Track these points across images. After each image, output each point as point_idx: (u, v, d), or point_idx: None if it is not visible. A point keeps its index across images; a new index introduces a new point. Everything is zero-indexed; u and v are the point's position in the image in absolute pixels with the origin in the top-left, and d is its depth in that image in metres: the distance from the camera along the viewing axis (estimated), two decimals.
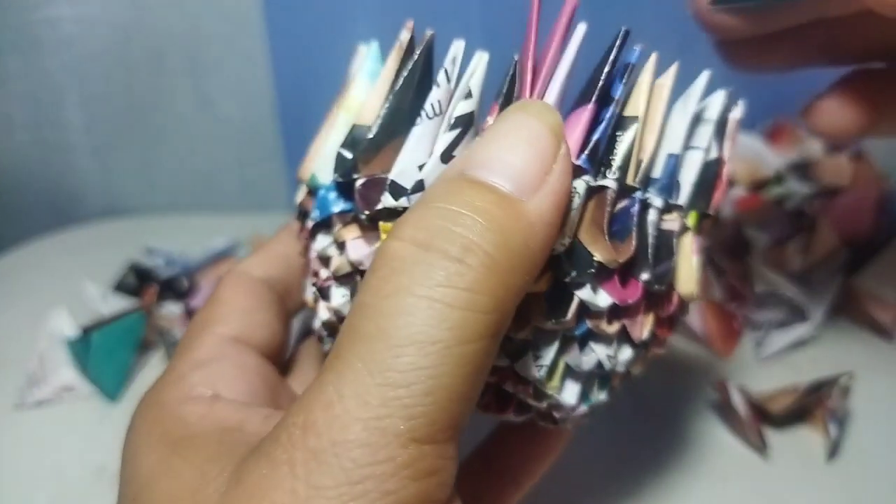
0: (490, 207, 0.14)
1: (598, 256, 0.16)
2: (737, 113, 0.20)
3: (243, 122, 0.53)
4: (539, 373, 0.18)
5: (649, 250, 0.18)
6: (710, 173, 0.19)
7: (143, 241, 0.46)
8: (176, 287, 0.40)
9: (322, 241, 0.19)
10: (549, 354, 0.18)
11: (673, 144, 0.18)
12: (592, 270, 0.16)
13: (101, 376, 0.33)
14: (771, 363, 0.36)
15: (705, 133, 0.19)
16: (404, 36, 0.18)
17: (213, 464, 0.14)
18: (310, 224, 0.19)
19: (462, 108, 0.17)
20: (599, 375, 0.19)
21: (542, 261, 0.15)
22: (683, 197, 0.18)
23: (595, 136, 0.17)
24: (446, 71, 0.18)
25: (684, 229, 0.19)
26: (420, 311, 0.13)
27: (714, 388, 0.31)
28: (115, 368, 0.34)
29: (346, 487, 0.12)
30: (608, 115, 0.17)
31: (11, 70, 0.50)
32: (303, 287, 0.23)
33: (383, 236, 0.17)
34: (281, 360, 0.22)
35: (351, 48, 0.22)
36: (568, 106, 0.18)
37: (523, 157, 0.14)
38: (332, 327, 0.20)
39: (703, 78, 0.19)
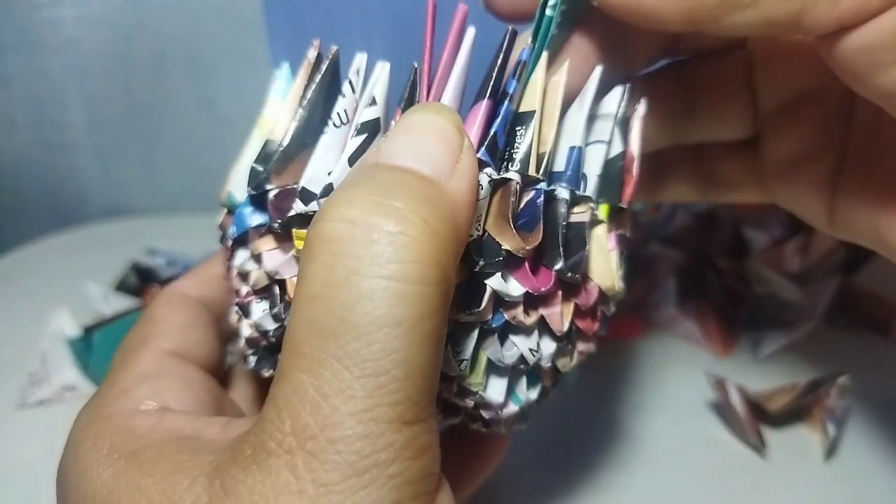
0: (416, 183, 0.14)
1: (505, 245, 0.17)
2: (641, 109, 0.21)
3: (244, 123, 0.53)
4: (460, 368, 0.18)
5: (559, 240, 0.18)
6: (617, 167, 0.20)
7: (144, 241, 0.46)
8: None
9: (241, 257, 0.19)
10: (467, 348, 0.18)
11: (573, 138, 0.19)
12: (500, 258, 0.17)
13: (103, 376, 0.33)
14: (769, 363, 0.36)
15: (605, 127, 0.20)
16: (311, 54, 0.19)
17: (181, 475, 0.14)
18: (229, 242, 0.20)
19: (367, 114, 0.18)
20: (526, 371, 0.19)
21: (466, 238, 0.15)
22: (590, 189, 0.19)
23: (493, 130, 0.17)
24: (351, 82, 0.18)
25: (596, 221, 0.19)
26: (378, 293, 0.13)
27: (712, 387, 0.32)
28: None
29: (355, 479, 0.12)
30: (503, 110, 0.17)
31: (13, 71, 0.50)
32: (229, 311, 0.23)
33: (297, 243, 0.17)
34: (219, 376, 0.22)
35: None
36: (466, 107, 0.18)
37: (434, 146, 0.15)
38: (256, 343, 0.20)
39: (596, 74, 0.20)
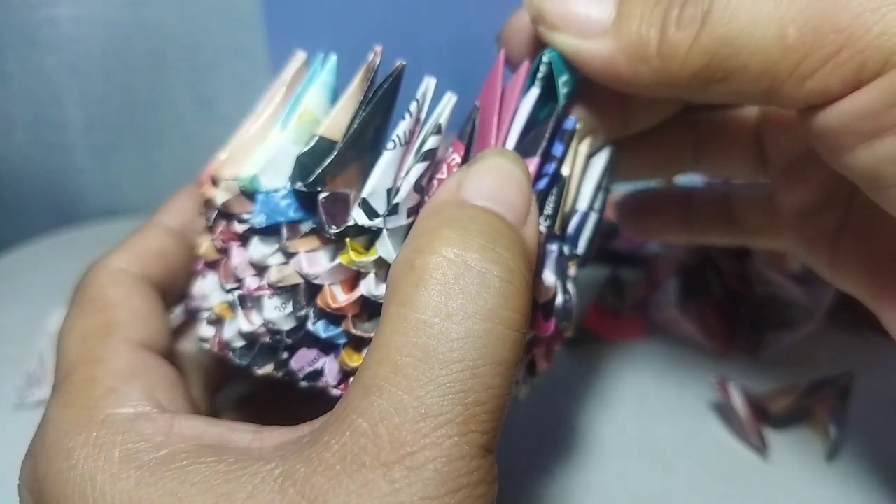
0: (510, 232, 0.16)
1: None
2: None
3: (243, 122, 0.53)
4: None
5: (560, 290, 0.20)
6: (598, 233, 0.22)
7: None
8: None
9: (260, 248, 0.19)
10: None
11: (581, 203, 0.21)
12: None
13: None
14: (771, 363, 0.36)
15: (601, 198, 0.22)
16: (372, 59, 0.19)
17: (234, 483, 0.14)
18: (238, 226, 0.19)
19: (432, 142, 0.18)
20: None
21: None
22: (581, 248, 0.21)
23: (539, 187, 0.19)
24: (417, 102, 0.19)
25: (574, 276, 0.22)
26: (488, 335, 0.14)
27: (714, 388, 0.31)
28: None
29: (449, 496, 0.13)
30: (551, 171, 0.19)
31: (11, 70, 0.50)
32: (198, 286, 0.22)
33: (352, 254, 0.17)
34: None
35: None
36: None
37: (514, 193, 0.16)
38: (254, 339, 0.19)
39: (607, 152, 0.23)
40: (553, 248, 0.20)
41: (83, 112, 0.52)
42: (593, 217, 0.22)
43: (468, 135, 0.19)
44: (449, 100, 0.19)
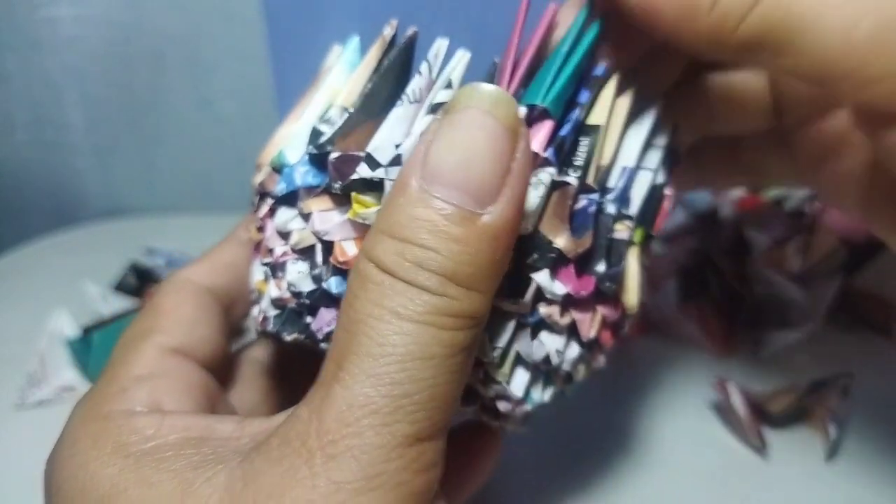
0: (456, 231, 0.15)
1: (557, 244, 0.17)
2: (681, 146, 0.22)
3: (243, 122, 0.53)
4: (493, 355, 0.18)
5: (603, 250, 0.19)
6: (656, 197, 0.21)
7: (143, 241, 0.46)
8: None
9: (284, 215, 0.19)
10: (503, 338, 0.18)
11: (628, 159, 0.20)
12: (553, 255, 0.17)
13: None
14: (770, 363, 0.36)
15: (655, 157, 0.21)
16: (387, 31, 0.19)
17: (198, 470, 0.15)
18: (269, 202, 0.19)
19: (442, 96, 0.18)
20: (545, 372, 0.20)
21: (506, 261, 0.16)
22: (633, 210, 0.20)
23: (561, 133, 0.18)
24: (429, 62, 0.18)
25: (632, 242, 0.20)
26: (414, 333, 0.14)
27: (714, 388, 0.31)
28: None
29: (364, 482, 0.14)
30: (574, 117, 0.18)
31: (12, 70, 0.50)
32: (250, 273, 0.22)
33: (356, 207, 0.17)
34: (220, 373, 0.22)
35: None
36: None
37: (481, 166, 0.15)
38: (283, 305, 0.20)
39: (656, 106, 0.21)
40: (586, 200, 0.18)
41: (83, 112, 0.52)
42: (645, 176, 0.20)
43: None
44: (462, 56, 0.18)
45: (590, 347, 0.20)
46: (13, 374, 0.34)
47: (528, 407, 0.20)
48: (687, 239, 0.43)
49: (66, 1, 0.49)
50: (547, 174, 0.17)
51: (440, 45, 0.19)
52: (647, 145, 0.21)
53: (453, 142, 0.15)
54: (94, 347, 0.33)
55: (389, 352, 0.14)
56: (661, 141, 0.21)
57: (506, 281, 0.17)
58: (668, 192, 0.21)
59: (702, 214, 0.42)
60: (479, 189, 0.15)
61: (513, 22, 0.19)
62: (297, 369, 0.23)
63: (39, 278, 0.45)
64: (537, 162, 0.17)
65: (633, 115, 0.21)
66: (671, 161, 0.21)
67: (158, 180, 0.55)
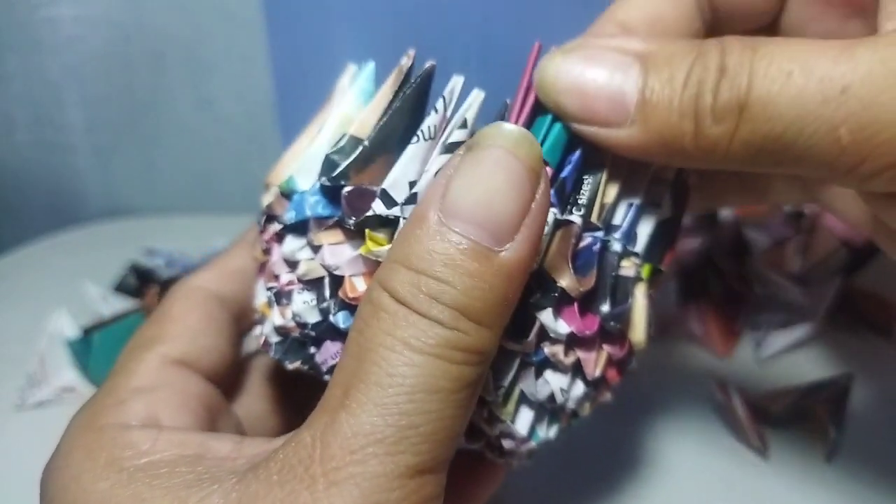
0: (472, 266, 0.15)
1: (561, 283, 0.17)
2: (693, 178, 0.22)
3: (243, 123, 0.53)
4: (497, 394, 0.18)
5: (608, 289, 0.19)
6: (666, 232, 0.20)
7: (143, 241, 0.46)
8: None
9: (292, 244, 0.19)
10: (507, 377, 0.18)
11: (634, 196, 0.20)
12: (556, 294, 0.17)
13: (102, 377, 0.33)
14: (771, 364, 0.36)
15: (662, 191, 0.20)
16: (405, 62, 0.19)
17: (191, 489, 0.15)
18: (277, 226, 0.19)
19: (457, 135, 0.18)
20: (551, 410, 0.20)
21: (516, 300, 0.16)
22: (640, 247, 0.20)
23: (563, 175, 0.18)
24: (444, 99, 0.18)
25: (639, 278, 0.20)
26: (424, 365, 0.14)
27: (714, 388, 0.31)
28: None
29: None
30: (574, 158, 0.18)
31: (12, 70, 0.50)
32: (254, 291, 0.22)
33: (369, 244, 0.17)
34: (227, 382, 0.22)
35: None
36: None
37: (502, 204, 0.15)
38: (286, 333, 0.20)
39: None
40: (590, 239, 0.18)
41: (83, 113, 0.52)
42: (652, 211, 0.20)
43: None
44: (476, 96, 0.19)
45: (595, 385, 0.20)
46: (13, 375, 0.34)
47: (532, 444, 0.20)
48: (687, 239, 0.43)
49: (67, 1, 0.49)
50: (550, 214, 0.17)
51: (456, 82, 0.19)
52: (655, 180, 0.20)
53: (475, 178, 0.15)
54: (94, 348, 0.33)
55: (399, 382, 0.14)
56: (669, 174, 0.21)
57: (510, 319, 0.17)
58: (679, 228, 0.21)
59: (702, 214, 0.42)
60: (498, 226, 0.15)
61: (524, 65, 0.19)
62: (306, 380, 0.23)
63: (39, 279, 0.45)
64: None
65: None
66: (680, 194, 0.21)
67: (158, 180, 0.55)
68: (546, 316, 0.18)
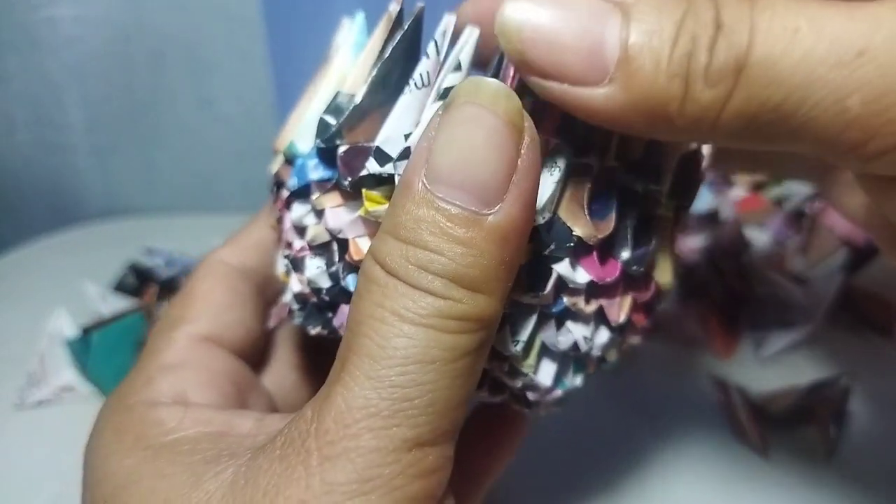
0: (461, 233, 0.14)
1: (577, 231, 0.16)
2: None
3: (243, 122, 0.53)
4: (515, 349, 0.18)
5: (629, 232, 0.17)
6: (689, 166, 0.19)
7: (142, 241, 0.46)
8: (176, 287, 0.40)
9: (298, 210, 0.19)
10: (525, 331, 0.18)
11: None
12: (571, 245, 0.16)
13: (102, 376, 0.33)
14: (771, 363, 0.36)
15: None
16: (393, 7, 0.18)
17: (209, 465, 0.15)
18: (285, 193, 0.19)
19: (451, 80, 0.17)
20: (575, 358, 0.19)
21: (519, 260, 0.15)
22: (665, 186, 0.18)
23: None
24: (436, 43, 0.18)
25: (664, 218, 0.19)
26: (416, 335, 0.14)
27: (714, 388, 0.31)
28: (116, 368, 0.34)
29: (358, 484, 0.14)
30: None
31: (12, 70, 0.50)
32: (274, 261, 0.22)
33: (367, 204, 0.17)
34: (255, 355, 0.22)
35: None
36: None
37: (484, 166, 0.14)
38: (305, 299, 0.20)
39: None
40: (607, 181, 0.17)
41: (83, 112, 0.52)
42: (674, 147, 0.19)
43: (493, 72, 0.17)
44: (470, 34, 0.17)
45: (621, 330, 0.19)
46: (13, 374, 0.34)
47: (559, 392, 0.19)
48: (687, 239, 0.43)
49: (67, 1, 0.49)
50: (562, 158, 0.16)
51: (448, 21, 0.18)
52: None
53: (453, 140, 0.14)
54: (93, 347, 0.33)
55: (390, 354, 0.14)
56: None
57: (525, 273, 0.17)
58: (701, 159, 0.20)
59: (703, 214, 0.42)
60: (482, 189, 0.14)
61: None
62: (333, 348, 0.23)
63: (39, 278, 0.44)
64: (549, 147, 0.16)
65: None
66: None
67: (158, 180, 0.55)
68: (563, 267, 0.17)
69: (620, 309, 0.18)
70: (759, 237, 0.41)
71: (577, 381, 0.20)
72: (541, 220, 0.16)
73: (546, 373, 0.19)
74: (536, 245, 0.17)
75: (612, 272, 0.17)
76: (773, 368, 0.35)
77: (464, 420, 0.15)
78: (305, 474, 0.14)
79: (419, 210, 0.14)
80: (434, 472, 0.15)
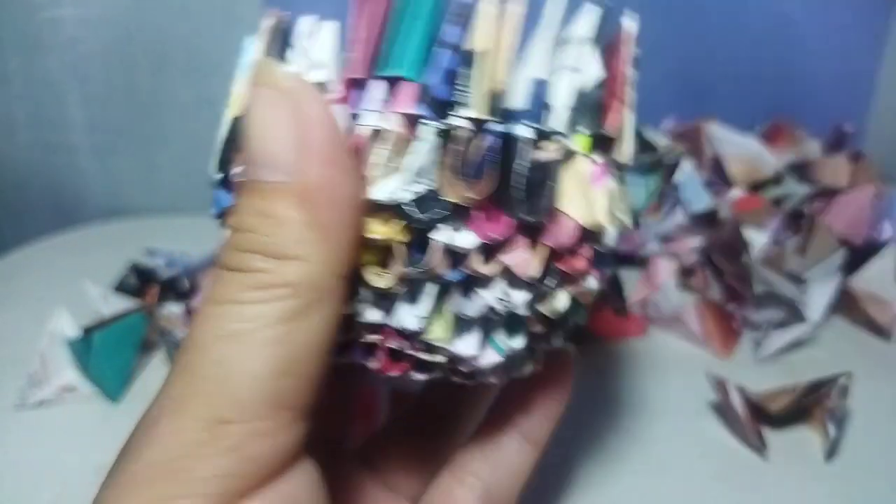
0: (261, 206, 0.15)
1: (450, 197, 0.16)
2: (631, 26, 0.19)
3: None
4: (416, 325, 0.17)
5: (518, 182, 0.17)
6: (594, 93, 0.18)
7: (144, 241, 0.46)
8: (177, 287, 0.40)
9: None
10: (424, 305, 0.17)
11: (535, 70, 0.17)
12: (445, 212, 0.16)
13: (103, 377, 0.34)
14: (770, 363, 0.36)
15: (575, 53, 0.18)
16: (266, 24, 0.18)
17: None
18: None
19: (315, 77, 0.17)
20: (508, 321, 0.19)
21: (346, 218, 0.15)
22: (559, 122, 0.17)
23: (431, 80, 0.16)
24: (298, 48, 0.18)
25: (569, 155, 0.18)
26: (214, 315, 0.14)
27: (713, 387, 0.32)
28: (117, 369, 0.34)
29: (161, 466, 0.14)
30: (445, 61, 0.16)
31: (13, 70, 0.50)
32: None
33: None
34: None
35: None
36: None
37: (273, 138, 0.15)
38: None
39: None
40: (486, 139, 0.17)
41: (85, 113, 0.52)
42: (564, 79, 0.18)
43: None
44: (327, 29, 0.18)
45: (543, 283, 0.18)
46: (14, 375, 0.34)
47: (497, 357, 0.19)
48: (687, 239, 0.43)
49: (68, 2, 0.49)
50: (427, 130, 0.16)
51: (305, 23, 0.18)
52: (562, 43, 0.18)
53: (250, 126, 0.15)
54: (94, 348, 0.33)
55: (189, 337, 0.15)
56: (584, 32, 0.18)
57: (409, 248, 0.17)
58: (621, 80, 0.18)
59: (701, 214, 0.42)
60: (273, 158, 0.15)
61: None
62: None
63: (40, 278, 0.45)
64: (412, 122, 0.16)
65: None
66: (610, 49, 0.18)
67: (159, 181, 0.55)
68: (443, 235, 0.16)
69: (529, 263, 0.17)
70: (758, 237, 0.41)
71: (515, 343, 0.19)
72: (409, 196, 0.16)
73: (466, 342, 0.18)
74: (413, 220, 0.16)
75: (499, 229, 0.17)
76: (771, 368, 0.35)
77: (312, 389, 0.15)
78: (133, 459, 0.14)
79: (243, 199, 0.15)
80: (235, 450, 0.14)
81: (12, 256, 0.48)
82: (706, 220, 0.43)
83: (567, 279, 0.18)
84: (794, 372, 0.35)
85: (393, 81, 0.17)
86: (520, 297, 0.18)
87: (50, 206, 0.55)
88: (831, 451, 0.30)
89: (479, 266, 0.17)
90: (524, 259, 0.17)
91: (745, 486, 0.28)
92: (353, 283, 0.17)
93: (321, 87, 0.17)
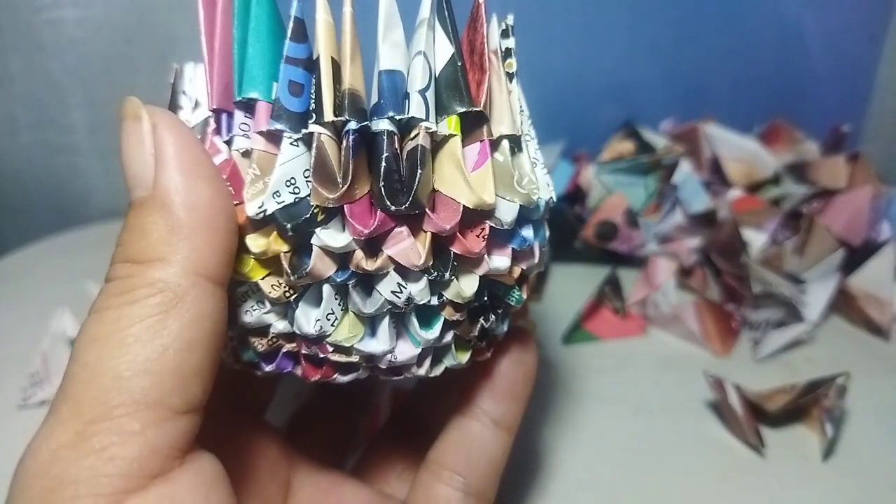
0: (138, 220, 0.16)
1: (313, 202, 0.17)
2: None
3: None
4: (313, 328, 0.18)
5: (389, 175, 0.17)
6: (452, 72, 0.18)
7: None
8: None
9: None
10: (317, 309, 0.18)
11: (386, 63, 0.17)
12: (315, 213, 0.17)
13: None
14: (768, 363, 0.36)
15: (420, 36, 0.18)
16: (171, 77, 0.20)
17: None
18: None
19: (199, 116, 0.18)
20: (412, 312, 0.19)
21: (206, 220, 0.16)
22: (419, 108, 0.17)
23: (281, 95, 0.17)
24: (184, 94, 0.19)
25: (443, 139, 0.18)
26: (87, 323, 0.15)
27: (711, 387, 0.32)
28: None
29: (35, 474, 0.15)
30: (281, 73, 0.17)
31: (15, 72, 0.50)
32: None
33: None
34: None
35: None
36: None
37: (132, 160, 0.16)
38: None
39: None
40: (345, 140, 0.17)
41: (86, 114, 0.52)
42: (416, 64, 0.18)
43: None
44: (194, 70, 0.20)
45: (437, 270, 0.18)
46: (16, 375, 0.34)
47: (416, 350, 0.19)
48: (686, 239, 0.43)
49: (69, 3, 0.49)
50: (285, 142, 0.17)
51: (189, 70, 0.20)
52: (415, 31, 0.18)
53: (121, 155, 0.17)
54: None
55: (73, 350, 0.15)
56: (423, 14, 0.18)
57: (296, 256, 0.17)
58: (480, 50, 0.18)
59: (700, 215, 0.42)
60: (136, 178, 0.16)
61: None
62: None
63: (42, 279, 0.45)
64: (276, 139, 0.17)
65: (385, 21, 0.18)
66: (451, 22, 0.18)
67: None
68: (319, 237, 0.17)
69: (413, 251, 0.17)
70: (757, 237, 0.41)
71: (429, 333, 0.19)
72: (274, 206, 0.16)
73: (377, 338, 0.19)
74: (294, 228, 0.17)
75: (367, 222, 0.17)
76: (769, 367, 0.35)
77: (184, 386, 0.15)
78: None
79: (126, 220, 0.16)
80: (99, 451, 0.14)
81: (14, 256, 0.48)
82: (705, 221, 0.43)
83: (469, 262, 0.18)
84: (792, 371, 0.35)
85: (251, 104, 0.18)
86: (415, 288, 0.18)
87: (52, 206, 0.55)
88: (829, 451, 0.30)
89: (364, 263, 0.17)
90: (407, 248, 0.17)
91: (744, 485, 0.29)
92: (260, 296, 0.18)
93: (206, 122, 0.18)
